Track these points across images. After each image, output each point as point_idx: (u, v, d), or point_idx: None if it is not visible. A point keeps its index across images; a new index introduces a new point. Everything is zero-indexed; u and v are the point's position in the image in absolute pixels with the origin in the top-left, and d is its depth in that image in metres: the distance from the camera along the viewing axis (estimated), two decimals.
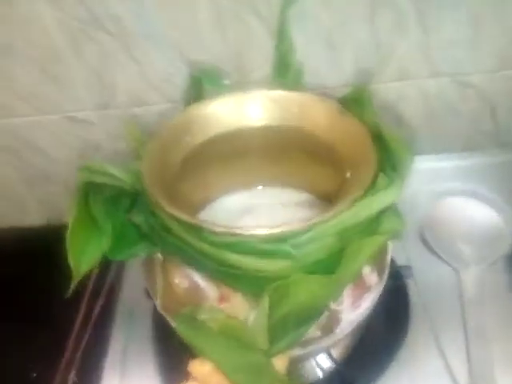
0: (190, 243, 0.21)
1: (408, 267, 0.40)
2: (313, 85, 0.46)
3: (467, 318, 0.38)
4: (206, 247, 0.21)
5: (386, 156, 0.24)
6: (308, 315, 0.22)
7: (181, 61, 0.44)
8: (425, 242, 0.44)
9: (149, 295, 0.38)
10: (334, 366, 0.33)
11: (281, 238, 0.21)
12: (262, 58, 0.43)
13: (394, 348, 0.36)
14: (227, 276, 0.22)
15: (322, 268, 0.21)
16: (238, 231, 0.21)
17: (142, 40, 0.43)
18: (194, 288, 0.24)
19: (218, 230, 0.21)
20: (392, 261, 0.38)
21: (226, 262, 0.21)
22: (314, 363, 0.33)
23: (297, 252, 0.21)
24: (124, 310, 0.43)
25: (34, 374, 0.47)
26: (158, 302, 0.26)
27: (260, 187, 0.34)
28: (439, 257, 0.42)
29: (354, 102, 0.27)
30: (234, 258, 0.21)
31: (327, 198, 0.31)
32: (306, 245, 0.21)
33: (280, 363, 0.22)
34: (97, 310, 0.48)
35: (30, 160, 0.54)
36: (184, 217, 0.22)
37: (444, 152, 0.53)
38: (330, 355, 0.32)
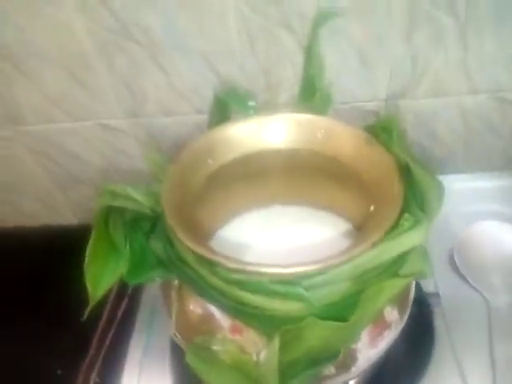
0: (203, 276, 0.21)
1: (435, 294, 0.38)
2: (344, 101, 0.45)
3: (495, 350, 0.36)
4: (218, 282, 0.21)
5: (414, 193, 0.23)
6: (320, 359, 0.21)
7: (209, 72, 0.44)
8: (455, 267, 0.41)
9: None
10: None
11: (294, 279, 0.20)
12: (292, 75, 0.43)
13: (415, 379, 0.35)
14: (239, 312, 0.21)
15: (337, 311, 0.20)
16: (251, 268, 0.20)
17: (170, 50, 0.43)
18: (208, 316, 0.24)
19: (231, 266, 0.20)
20: (419, 286, 0.37)
21: (237, 298, 0.21)
22: None
23: (310, 294, 0.20)
24: (146, 312, 0.44)
25: (59, 372, 0.48)
26: (173, 326, 0.26)
27: (279, 206, 0.34)
28: (469, 283, 0.40)
29: (383, 131, 0.26)
30: (245, 295, 0.20)
31: (348, 219, 0.30)
32: (320, 287, 0.20)
33: None
34: (120, 311, 0.49)
35: (63, 164, 0.55)
36: (199, 250, 0.21)
37: (481, 171, 0.50)
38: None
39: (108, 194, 0.25)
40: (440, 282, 0.39)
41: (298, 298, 0.20)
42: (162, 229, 0.25)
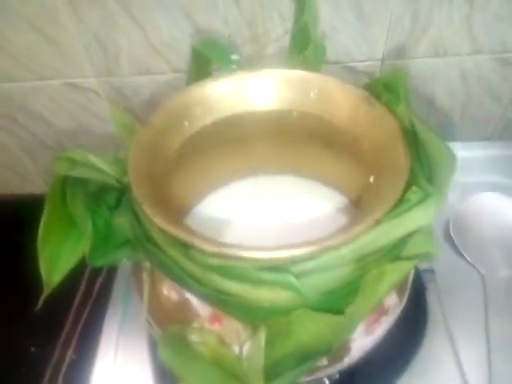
0: (176, 261, 0.18)
1: (430, 271, 0.35)
2: (337, 59, 0.41)
3: (490, 328, 0.34)
4: (194, 268, 0.17)
5: (421, 162, 0.19)
6: (311, 355, 0.18)
7: (188, 24, 0.39)
8: (450, 241, 0.39)
9: None
10: (343, 375, 0.30)
11: (282, 264, 0.17)
12: (279, 24, 0.38)
13: (407, 358, 0.33)
14: (219, 301, 0.18)
15: (331, 301, 0.17)
16: (232, 252, 0.17)
17: (145, 1, 0.38)
18: (184, 302, 0.21)
19: (209, 249, 0.17)
20: None
21: (217, 286, 0.17)
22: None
23: (301, 282, 0.17)
24: (121, 287, 0.41)
25: (33, 349, 0.46)
26: (145, 311, 0.23)
27: (265, 176, 0.30)
28: (465, 258, 0.38)
29: (386, 90, 0.22)
30: (226, 283, 0.17)
31: (343, 192, 0.27)
32: (312, 274, 0.17)
33: None
34: (96, 287, 0.46)
35: (30, 127, 0.51)
36: (170, 228, 0.18)
37: (478, 140, 0.47)
38: None
39: (66, 161, 0.21)
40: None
41: (287, 286, 0.17)
42: (129, 202, 0.21)
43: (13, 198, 0.59)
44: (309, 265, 0.17)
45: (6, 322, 0.46)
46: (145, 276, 0.23)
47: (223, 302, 0.18)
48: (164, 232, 0.18)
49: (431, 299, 0.35)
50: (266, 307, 0.17)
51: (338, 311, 0.17)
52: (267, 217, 0.26)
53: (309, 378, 0.21)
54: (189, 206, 0.26)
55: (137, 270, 0.24)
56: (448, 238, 0.39)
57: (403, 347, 0.33)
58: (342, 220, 0.25)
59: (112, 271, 0.45)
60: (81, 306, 0.45)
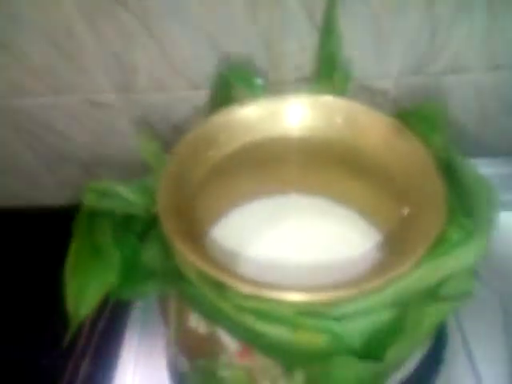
0: (209, 298, 0.17)
1: None
2: (355, 76, 0.40)
3: (510, 345, 0.33)
4: (229, 308, 0.16)
5: (459, 196, 0.18)
6: None
7: (207, 44, 0.38)
8: None
9: None
10: None
11: (322, 309, 0.16)
12: (295, 45, 0.37)
13: (428, 378, 0.32)
14: (252, 341, 0.17)
15: (371, 345, 0.16)
16: (269, 294, 0.16)
17: (165, 18, 0.37)
18: (213, 335, 0.20)
19: (245, 290, 0.16)
20: None
21: (252, 328, 0.16)
22: None
23: (341, 325, 0.16)
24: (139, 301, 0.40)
25: (45, 361, 0.45)
26: (171, 342, 0.22)
27: (291, 195, 0.29)
28: (482, 281, 0.37)
29: (421, 120, 0.21)
30: (261, 326, 0.16)
31: (372, 222, 0.26)
32: (352, 317, 0.16)
33: None
34: (111, 300, 0.46)
35: (49, 142, 0.50)
36: (205, 267, 0.17)
37: (494, 156, 0.46)
38: None
39: (93, 193, 0.20)
40: None
41: (327, 330, 0.16)
42: (158, 236, 0.20)
43: (30, 209, 0.58)
44: (349, 308, 0.16)
45: (20, 336, 0.46)
46: (172, 306, 0.22)
47: (257, 343, 0.17)
48: (198, 269, 0.17)
49: (450, 322, 0.34)
50: (304, 350, 0.16)
51: (377, 355, 0.16)
52: (290, 237, 0.25)
53: None
54: (212, 224, 0.25)
55: (163, 300, 0.23)
56: None
57: (422, 371, 0.32)
58: (370, 250, 0.23)
59: None
60: (96, 317, 0.44)
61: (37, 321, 0.46)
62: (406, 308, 0.17)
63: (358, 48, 0.38)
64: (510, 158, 0.45)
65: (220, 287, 0.17)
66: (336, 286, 0.16)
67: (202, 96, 0.42)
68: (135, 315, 0.40)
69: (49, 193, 0.58)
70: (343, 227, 0.25)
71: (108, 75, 0.42)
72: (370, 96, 0.42)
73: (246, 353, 0.19)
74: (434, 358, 0.32)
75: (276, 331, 0.16)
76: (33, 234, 0.54)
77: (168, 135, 0.30)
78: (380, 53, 0.39)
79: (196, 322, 0.21)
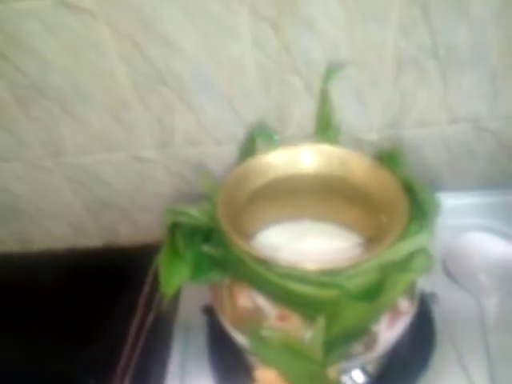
0: (259, 273, 0.27)
1: (433, 294, 0.43)
2: (346, 131, 0.52)
3: (489, 341, 0.41)
4: (272, 277, 0.26)
5: (416, 205, 0.29)
6: (353, 334, 0.26)
7: (229, 110, 0.51)
8: (448, 273, 0.47)
9: (206, 313, 0.43)
10: (368, 381, 0.37)
11: (334, 272, 0.26)
12: (299, 111, 0.50)
13: (421, 367, 0.40)
14: (288, 300, 0.27)
15: (365, 297, 0.26)
16: (300, 266, 0.26)
17: (197, 92, 0.50)
18: (256, 308, 0.29)
19: (283, 264, 0.26)
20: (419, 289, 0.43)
21: (288, 289, 0.26)
22: (350, 379, 0.37)
23: (346, 283, 0.25)
24: (180, 324, 0.48)
25: (92, 381, 0.51)
26: (225, 319, 0.31)
27: (306, 221, 0.39)
28: (461, 286, 0.46)
29: (388, 158, 0.32)
30: (295, 286, 0.26)
31: (363, 234, 0.36)
32: (353, 277, 0.26)
33: (332, 373, 0.26)
34: (148, 322, 0.53)
35: (95, 191, 0.60)
36: (257, 253, 0.27)
37: (465, 190, 0.57)
38: (365, 371, 0.36)
39: (172, 212, 0.31)
40: (436, 286, 0.45)
41: (338, 286, 0.25)
42: (218, 238, 0.30)
43: (72, 251, 0.67)
44: (351, 271, 0.25)
45: (68, 359, 0.53)
46: (224, 292, 0.31)
47: (291, 301, 0.26)
48: (251, 255, 0.27)
49: (437, 318, 0.43)
50: (321, 301, 0.26)
51: (371, 300, 0.25)
52: (304, 249, 0.35)
53: (350, 364, 0.29)
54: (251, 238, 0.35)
55: (216, 289, 0.32)
56: (446, 270, 0.47)
57: (417, 359, 0.40)
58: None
59: (161, 309, 0.52)
60: (135, 340, 0.51)
61: (84, 346, 0.53)
62: (386, 274, 0.26)
63: (347, 111, 0.50)
64: (474, 193, 0.55)
65: (266, 263, 0.27)
66: (343, 259, 0.26)
67: (224, 151, 0.54)
68: (177, 338, 0.47)
69: (89, 236, 0.67)
70: (340, 240, 0.35)
71: (151, 135, 0.54)
72: (360, 145, 0.54)
73: (281, 318, 0.29)
74: (426, 351, 0.40)
75: (304, 289, 0.26)
76: (75, 274, 0.62)
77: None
78: (363, 114, 0.51)
79: (244, 300, 0.30)
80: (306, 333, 0.27)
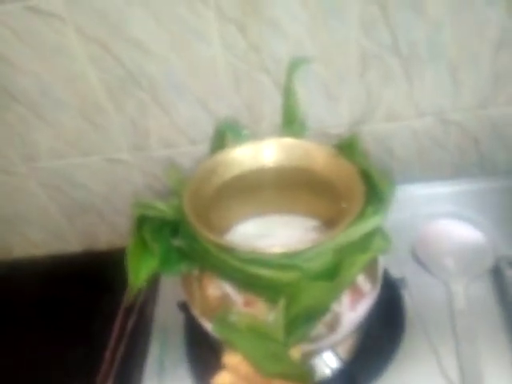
0: (224, 260, 0.28)
1: (402, 279, 0.45)
2: (316, 127, 0.53)
3: (456, 323, 0.43)
4: (236, 263, 0.27)
5: (373, 189, 0.31)
6: (314, 314, 0.28)
7: (202, 110, 0.53)
8: (417, 258, 0.49)
9: (181, 309, 0.44)
10: (339, 365, 0.39)
11: (293, 255, 0.27)
12: (270, 108, 0.51)
13: (392, 350, 0.42)
14: (251, 285, 0.28)
15: (324, 277, 0.27)
16: (261, 250, 0.27)
17: (170, 94, 0.51)
18: (224, 296, 0.31)
19: (245, 249, 0.27)
20: (388, 274, 0.45)
21: (250, 273, 0.27)
22: (323, 363, 0.38)
23: (305, 265, 0.27)
24: (158, 325, 0.49)
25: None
26: (196, 309, 0.33)
27: (274, 215, 0.41)
28: (429, 271, 0.48)
29: (347, 147, 0.34)
30: (257, 270, 0.27)
31: (328, 223, 0.38)
32: (311, 259, 0.27)
33: (295, 353, 0.28)
34: (130, 325, 0.53)
35: (71, 195, 0.61)
36: (220, 241, 0.28)
37: (434, 180, 0.59)
38: (336, 355, 0.38)
39: (140, 206, 0.32)
40: (406, 271, 0.47)
41: (297, 268, 0.27)
42: (185, 231, 0.31)
43: (50, 258, 0.68)
44: (309, 254, 0.27)
45: (49, 363, 0.53)
46: (194, 283, 0.32)
47: (254, 285, 0.28)
48: (216, 244, 0.28)
49: (406, 302, 0.45)
50: (283, 284, 0.27)
51: (329, 280, 0.27)
52: (277, 236, 0.37)
53: (314, 347, 0.31)
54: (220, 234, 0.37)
55: (187, 280, 0.33)
56: (415, 256, 0.49)
57: (388, 342, 0.42)
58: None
59: (144, 310, 0.53)
60: (117, 343, 0.52)
61: (64, 350, 0.54)
62: (344, 255, 0.28)
63: (316, 107, 0.52)
64: (443, 182, 0.58)
65: (230, 251, 0.28)
66: (300, 242, 0.27)
67: (199, 150, 0.56)
68: (155, 338, 0.48)
69: (68, 241, 0.68)
70: (306, 230, 0.37)
71: (125, 137, 0.55)
72: (329, 139, 0.56)
73: (247, 303, 0.30)
74: (396, 333, 0.42)
75: (265, 272, 0.27)
76: (54, 280, 0.63)
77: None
78: (332, 109, 0.53)
79: (212, 290, 0.32)
80: (270, 316, 0.28)
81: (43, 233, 0.66)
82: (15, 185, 0.59)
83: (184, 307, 0.43)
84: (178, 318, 0.47)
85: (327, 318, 0.30)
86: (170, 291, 0.51)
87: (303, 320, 0.27)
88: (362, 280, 0.32)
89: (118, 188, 0.61)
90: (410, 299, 0.45)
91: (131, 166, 0.58)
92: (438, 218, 0.52)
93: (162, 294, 0.51)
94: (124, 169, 0.58)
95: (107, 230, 0.66)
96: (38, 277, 0.63)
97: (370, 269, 0.33)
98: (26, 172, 0.58)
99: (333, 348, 0.38)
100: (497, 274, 0.46)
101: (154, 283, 0.54)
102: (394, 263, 0.46)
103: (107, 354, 0.52)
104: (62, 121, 0.53)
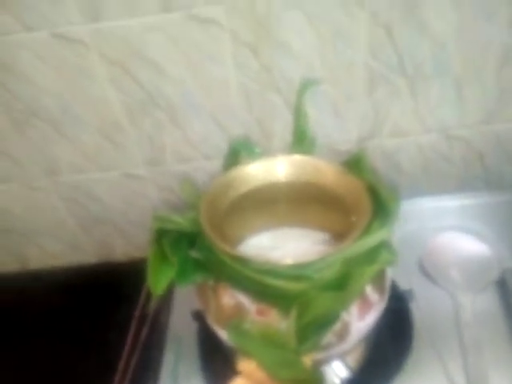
0: (239, 271, 0.30)
1: (410, 291, 0.46)
2: (325, 144, 0.55)
3: (464, 335, 0.44)
4: (250, 273, 0.29)
5: (380, 204, 0.32)
6: (325, 322, 0.29)
7: (216, 127, 0.55)
8: (424, 271, 0.51)
9: (195, 318, 0.46)
10: (348, 374, 0.40)
11: (303, 266, 0.29)
12: (280, 125, 0.54)
13: (400, 361, 0.43)
14: (264, 295, 0.30)
15: (333, 287, 0.29)
16: (274, 262, 0.29)
17: (185, 112, 0.54)
18: (238, 305, 0.32)
19: (259, 261, 0.29)
20: (396, 286, 0.46)
21: (264, 284, 0.29)
22: (332, 372, 0.39)
23: (315, 276, 0.29)
24: (172, 334, 0.50)
25: None
26: (211, 318, 0.34)
27: (285, 228, 0.43)
28: (437, 283, 0.49)
29: (355, 163, 0.36)
30: (270, 281, 0.29)
31: (337, 236, 0.39)
32: (321, 270, 0.29)
33: (306, 360, 0.29)
34: (143, 335, 0.55)
35: (89, 208, 0.63)
36: (235, 252, 0.30)
37: (440, 194, 0.60)
38: (346, 365, 0.39)
39: (159, 219, 0.34)
40: (413, 283, 0.48)
41: (307, 278, 0.28)
42: (201, 243, 0.33)
43: (68, 269, 0.70)
44: (319, 265, 0.29)
45: (65, 372, 0.55)
46: (209, 293, 0.34)
47: (267, 295, 0.30)
48: (230, 255, 0.30)
49: (414, 314, 0.46)
50: (295, 294, 0.29)
51: (339, 290, 0.28)
52: (287, 248, 0.38)
53: (324, 355, 0.32)
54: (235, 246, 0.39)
55: (202, 290, 0.35)
56: (422, 268, 0.51)
57: (396, 353, 0.43)
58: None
59: (157, 320, 0.54)
60: (130, 352, 0.54)
61: (80, 359, 0.55)
62: (352, 267, 0.29)
63: (325, 126, 0.54)
64: (449, 196, 0.59)
65: (243, 261, 0.30)
66: (310, 255, 0.29)
67: (212, 165, 0.58)
68: (169, 348, 0.49)
69: (84, 252, 0.70)
70: (316, 243, 0.38)
71: (142, 153, 0.58)
72: (338, 156, 0.57)
73: (260, 312, 0.31)
74: (404, 345, 0.43)
75: (277, 283, 0.29)
76: (70, 291, 0.64)
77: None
78: (341, 127, 0.55)
79: (227, 299, 0.33)
80: (282, 324, 0.30)
81: (61, 244, 0.69)
82: (36, 198, 0.62)
83: (198, 316, 0.45)
84: (192, 328, 0.48)
85: (337, 327, 0.31)
86: (184, 301, 0.52)
87: (314, 328, 0.29)
88: (370, 291, 0.33)
89: (134, 202, 0.63)
90: (418, 311, 0.46)
91: (147, 181, 0.61)
92: (444, 231, 0.54)
93: (175, 304, 0.53)
94: (140, 183, 0.61)
95: (123, 242, 0.68)
96: (54, 287, 0.65)
97: (378, 280, 0.34)
98: (46, 186, 0.61)
99: (342, 357, 0.39)
100: (502, 285, 0.47)
101: (167, 293, 0.55)
102: (402, 275, 0.47)
103: (121, 364, 0.53)
104: (82, 138, 0.56)
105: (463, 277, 0.49)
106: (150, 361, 0.52)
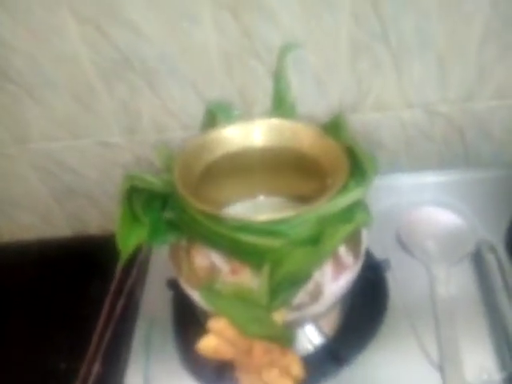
0: (212, 229, 0.29)
1: (386, 260, 0.47)
2: (305, 113, 0.55)
3: (437, 305, 0.45)
4: (223, 230, 0.29)
5: (357, 165, 0.32)
6: (297, 280, 0.29)
7: (195, 95, 0.54)
8: (401, 243, 0.51)
9: (170, 286, 0.45)
10: (322, 340, 0.40)
11: (278, 222, 0.29)
12: (262, 93, 0.53)
13: (374, 328, 0.43)
14: (238, 252, 0.30)
15: (307, 244, 0.29)
16: (248, 218, 0.28)
17: (163, 77, 0.52)
18: (211, 265, 0.32)
19: (233, 217, 0.29)
20: (372, 256, 0.46)
21: (237, 240, 0.29)
22: (306, 338, 0.40)
23: (289, 232, 0.28)
24: (146, 305, 0.50)
25: (63, 365, 0.53)
26: (183, 280, 0.34)
27: (261, 197, 0.42)
28: (413, 255, 0.50)
29: (333, 127, 0.36)
30: (243, 237, 0.28)
31: (307, 192, 0.39)
32: (296, 227, 0.29)
33: (277, 317, 0.29)
34: (119, 307, 0.54)
35: (62, 178, 0.62)
36: (209, 209, 0.29)
37: (421, 170, 0.61)
38: (319, 330, 0.39)
39: (130, 178, 0.33)
40: (390, 254, 0.48)
41: (281, 234, 0.28)
42: (174, 203, 0.33)
43: (41, 241, 0.68)
44: (294, 221, 0.28)
45: (39, 344, 0.54)
46: (182, 254, 0.34)
47: (241, 252, 0.29)
48: (205, 213, 0.30)
49: (389, 282, 0.46)
50: (268, 250, 0.29)
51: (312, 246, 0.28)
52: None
53: (297, 316, 0.32)
54: None
55: (174, 251, 0.35)
56: (399, 240, 0.51)
57: (371, 319, 0.44)
58: None
59: (133, 293, 0.54)
60: (105, 324, 0.53)
61: (52, 333, 0.55)
62: (326, 225, 0.29)
63: (307, 94, 0.54)
64: (429, 172, 0.60)
65: (218, 220, 0.29)
66: (286, 211, 0.29)
67: (190, 135, 0.57)
68: (142, 318, 0.49)
69: (57, 225, 0.68)
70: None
71: (117, 121, 0.56)
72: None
73: (233, 271, 0.31)
74: (378, 309, 0.44)
75: (251, 239, 0.28)
76: (43, 264, 0.63)
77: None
78: (322, 98, 0.55)
79: (200, 260, 0.33)
80: (255, 283, 0.30)
81: (32, 216, 0.67)
82: (5, 166, 0.60)
83: (173, 285, 0.45)
84: (167, 298, 0.48)
85: (310, 287, 0.31)
86: (160, 273, 0.52)
87: (286, 285, 0.29)
88: (344, 252, 0.33)
89: (110, 172, 0.62)
90: (394, 281, 0.47)
91: (123, 150, 0.59)
92: (422, 205, 0.54)
93: (150, 275, 0.52)
94: (116, 153, 0.59)
95: (98, 215, 0.67)
96: (26, 261, 0.64)
97: (353, 243, 0.34)
98: (16, 153, 0.59)
99: (316, 322, 0.39)
100: (477, 258, 0.48)
101: (143, 266, 0.55)
102: (379, 247, 0.48)
103: (95, 337, 0.52)
104: (54, 102, 0.54)
105: (439, 249, 0.50)
106: (124, 333, 0.51)
